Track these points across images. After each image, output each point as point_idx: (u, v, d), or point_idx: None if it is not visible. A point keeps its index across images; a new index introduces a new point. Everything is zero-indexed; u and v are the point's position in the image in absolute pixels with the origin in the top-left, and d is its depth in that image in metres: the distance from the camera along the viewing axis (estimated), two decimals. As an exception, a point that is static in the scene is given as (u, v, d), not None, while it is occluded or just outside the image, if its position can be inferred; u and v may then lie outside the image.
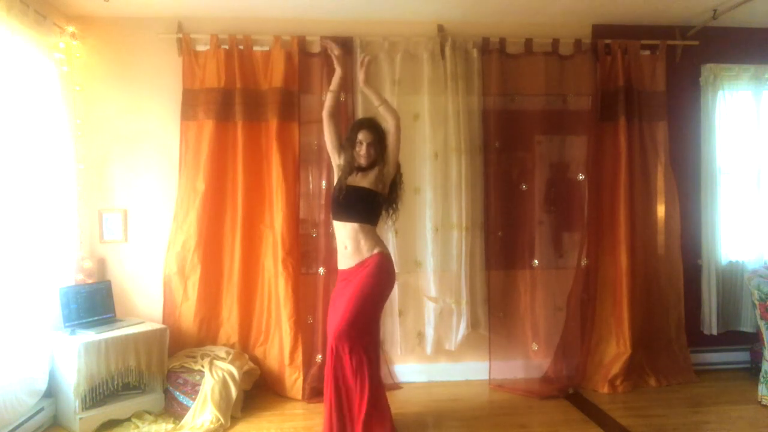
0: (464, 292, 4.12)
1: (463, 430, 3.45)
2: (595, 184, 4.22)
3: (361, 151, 3.24)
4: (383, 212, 3.34)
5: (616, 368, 4.09)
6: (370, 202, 3.23)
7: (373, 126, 3.31)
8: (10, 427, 3.04)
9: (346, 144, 3.34)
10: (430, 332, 4.16)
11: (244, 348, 4.04)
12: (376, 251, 3.19)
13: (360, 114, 4.02)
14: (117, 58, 4.03)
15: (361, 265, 3.19)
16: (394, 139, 3.29)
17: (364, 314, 3.12)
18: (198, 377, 3.55)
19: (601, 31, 4.33)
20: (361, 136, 3.25)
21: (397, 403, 3.75)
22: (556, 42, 4.22)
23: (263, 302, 4.09)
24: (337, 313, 3.16)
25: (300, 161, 4.05)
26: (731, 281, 4.49)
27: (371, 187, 3.22)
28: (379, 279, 3.18)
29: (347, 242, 3.20)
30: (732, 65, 4.42)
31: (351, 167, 3.28)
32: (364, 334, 3.13)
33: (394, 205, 3.39)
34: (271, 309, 4.06)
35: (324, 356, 3.95)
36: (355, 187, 3.23)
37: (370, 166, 3.28)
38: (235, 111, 3.99)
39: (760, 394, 3.79)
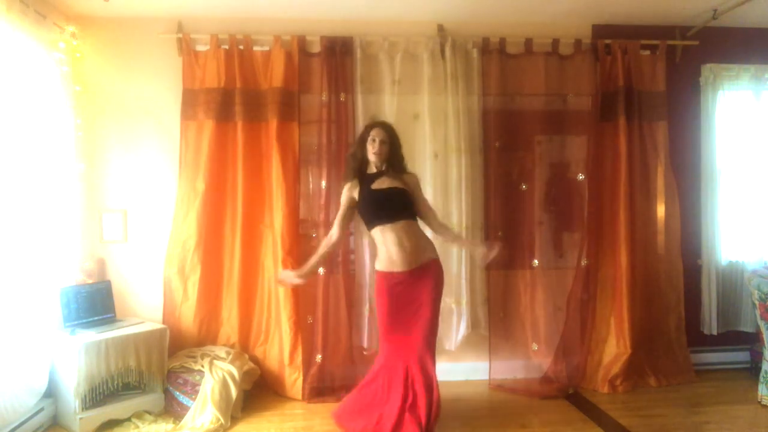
0: (464, 292, 4.11)
1: (463, 430, 3.45)
2: (595, 184, 4.21)
3: (374, 148, 3.26)
4: None
5: (616, 368, 4.09)
6: (408, 200, 3.27)
7: (386, 126, 3.37)
8: (10, 427, 3.04)
9: (357, 144, 3.39)
10: (430, 332, 4.15)
11: (244, 348, 4.03)
12: (434, 256, 3.27)
13: (360, 114, 4.02)
14: (117, 58, 4.03)
15: (421, 269, 3.19)
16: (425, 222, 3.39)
17: (435, 330, 3.26)
18: (198, 377, 3.55)
19: (601, 31, 4.33)
20: (374, 133, 3.30)
21: (397, 403, 3.74)
22: (556, 42, 4.22)
23: (263, 302, 4.09)
24: (409, 331, 3.19)
25: (300, 161, 4.05)
26: (731, 281, 4.49)
27: (402, 186, 3.26)
28: (441, 289, 3.28)
29: (404, 240, 3.16)
30: (732, 65, 4.42)
31: (365, 172, 3.31)
32: (432, 344, 3.25)
33: None
34: (271, 309, 4.05)
35: (324, 356, 3.95)
36: (390, 189, 3.24)
37: (389, 170, 3.30)
38: (235, 111, 3.99)
39: (760, 394, 3.79)
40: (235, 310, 4.04)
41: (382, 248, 3.23)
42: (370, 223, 3.26)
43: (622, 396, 3.99)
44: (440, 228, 3.40)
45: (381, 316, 3.26)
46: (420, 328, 3.18)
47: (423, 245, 3.24)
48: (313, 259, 3.40)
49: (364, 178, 3.33)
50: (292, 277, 3.34)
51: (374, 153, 3.27)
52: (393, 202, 3.21)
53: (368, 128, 3.36)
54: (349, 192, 3.36)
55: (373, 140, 3.28)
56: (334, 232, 3.39)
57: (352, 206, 3.37)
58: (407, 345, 3.20)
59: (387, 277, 3.22)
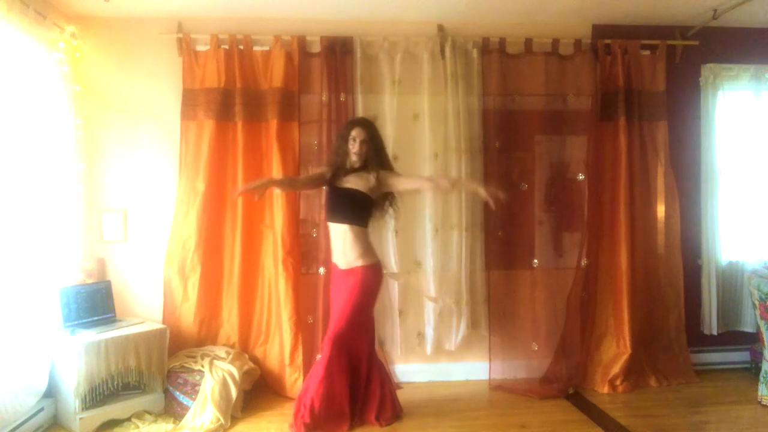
0: (464, 292, 4.12)
1: (463, 430, 3.45)
2: (595, 184, 4.22)
3: (354, 148, 3.34)
4: (376, 213, 3.48)
5: (616, 368, 4.09)
6: (360, 204, 3.33)
7: (366, 124, 3.42)
8: (10, 427, 3.04)
9: (338, 141, 3.45)
10: (430, 332, 4.16)
11: (244, 348, 4.03)
12: (360, 263, 3.34)
13: (360, 114, 4.01)
14: (117, 58, 4.03)
15: (349, 272, 3.36)
16: (416, 187, 3.59)
17: (357, 321, 3.35)
18: (198, 377, 3.55)
19: (601, 31, 4.33)
20: (354, 132, 3.35)
21: (397, 403, 3.75)
22: (556, 42, 4.22)
23: (263, 302, 4.08)
24: (334, 315, 3.41)
25: (300, 161, 4.05)
26: (731, 281, 4.49)
27: (363, 189, 3.31)
28: (366, 292, 3.38)
29: (338, 242, 3.38)
30: (732, 65, 4.42)
31: (341, 166, 3.38)
32: (362, 335, 3.41)
33: (388, 206, 3.53)
34: (271, 309, 4.05)
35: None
36: (346, 189, 3.33)
37: (364, 168, 3.36)
38: (235, 111, 3.99)
39: (760, 394, 3.79)
40: (235, 310, 4.04)
41: (331, 242, 3.48)
42: (327, 216, 3.49)
43: (622, 396, 3.99)
44: (426, 183, 3.57)
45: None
46: (330, 324, 3.40)
47: (353, 252, 3.34)
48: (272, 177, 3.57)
49: (340, 171, 3.40)
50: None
51: (354, 153, 3.34)
52: (343, 204, 3.34)
53: (349, 126, 3.42)
54: (323, 174, 3.47)
55: (354, 139, 3.34)
56: (299, 181, 3.63)
57: (318, 181, 3.50)
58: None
59: (333, 267, 3.53)
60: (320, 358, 3.38)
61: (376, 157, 3.38)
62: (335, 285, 3.51)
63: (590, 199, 4.21)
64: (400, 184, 3.43)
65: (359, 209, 3.35)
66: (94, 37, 3.98)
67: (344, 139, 3.39)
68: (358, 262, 3.35)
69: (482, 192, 3.21)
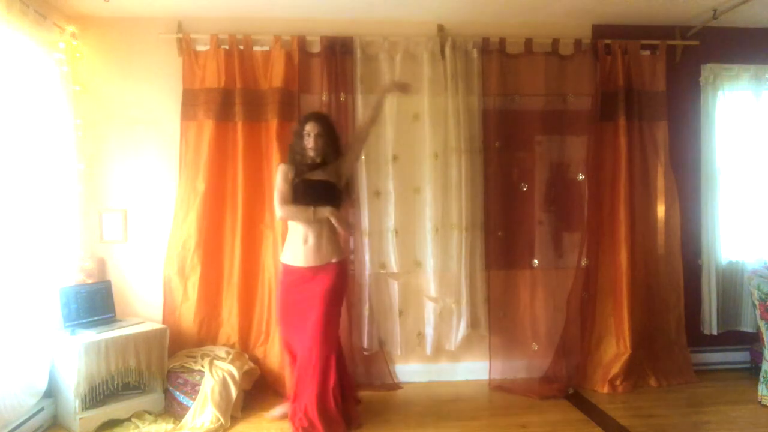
0: (464, 292, 4.12)
1: (463, 430, 3.45)
2: (595, 184, 4.22)
3: (309, 143, 3.30)
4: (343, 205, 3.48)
5: (616, 368, 4.09)
6: (336, 194, 3.31)
7: (320, 118, 3.39)
8: (10, 427, 3.05)
9: (293, 138, 3.41)
10: (430, 332, 4.16)
11: (244, 348, 4.03)
12: (335, 259, 3.30)
13: (360, 114, 4.02)
14: (117, 58, 4.03)
15: (319, 269, 3.27)
16: (366, 133, 3.58)
17: (327, 330, 3.25)
18: (198, 377, 3.55)
19: (601, 31, 4.33)
20: (308, 127, 3.32)
21: (397, 403, 3.77)
22: (556, 42, 4.22)
23: (263, 302, 4.08)
24: (303, 326, 3.27)
25: (300, 161, 4.05)
26: (731, 281, 4.49)
27: (332, 179, 3.32)
28: (339, 291, 3.35)
29: (309, 236, 3.27)
30: (732, 65, 4.42)
31: (302, 162, 3.33)
32: (334, 340, 3.33)
33: (347, 195, 3.50)
34: (271, 309, 4.05)
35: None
36: (318, 181, 3.29)
37: (324, 162, 3.34)
38: (235, 111, 3.99)
39: (760, 394, 3.79)
40: (235, 310, 4.04)
41: (290, 240, 3.36)
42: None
43: (622, 396, 3.99)
44: (369, 116, 3.58)
45: (277, 304, 3.54)
46: (311, 327, 3.24)
47: (326, 246, 3.29)
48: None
49: (301, 166, 3.34)
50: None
51: (310, 148, 3.31)
52: (320, 195, 3.25)
53: (303, 122, 3.39)
54: (284, 174, 3.33)
55: (308, 134, 3.31)
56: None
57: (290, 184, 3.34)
58: (301, 338, 3.30)
59: (287, 270, 3.36)
60: (312, 363, 3.24)
61: (332, 150, 3.35)
62: (297, 285, 3.31)
63: (590, 199, 4.21)
64: (355, 146, 3.50)
65: (335, 200, 3.32)
66: (94, 37, 3.98)
67: (299, 135, 3.35)
68: (333, 258, 3.30)
69: (390, 87, 3.67)
